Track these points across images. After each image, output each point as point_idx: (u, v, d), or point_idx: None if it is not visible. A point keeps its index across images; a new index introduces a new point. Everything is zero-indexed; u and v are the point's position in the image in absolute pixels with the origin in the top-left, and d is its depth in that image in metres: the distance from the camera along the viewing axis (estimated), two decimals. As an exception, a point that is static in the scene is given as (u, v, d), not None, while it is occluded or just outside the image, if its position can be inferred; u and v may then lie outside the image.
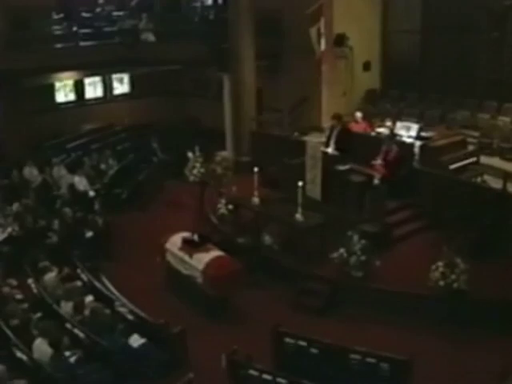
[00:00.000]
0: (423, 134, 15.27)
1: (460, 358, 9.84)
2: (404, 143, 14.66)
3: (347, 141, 13.92)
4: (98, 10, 19.88)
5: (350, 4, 18.73)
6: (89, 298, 10.72)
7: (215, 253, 11.66)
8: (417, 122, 16.23)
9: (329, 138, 14.23)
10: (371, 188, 13.03)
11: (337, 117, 14.31)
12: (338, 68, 19.04)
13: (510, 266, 11.49)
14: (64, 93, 21.51)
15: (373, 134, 16.00)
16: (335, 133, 14.09)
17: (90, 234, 13.77)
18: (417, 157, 14.28)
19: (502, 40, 17.95)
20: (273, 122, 18.39)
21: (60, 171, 16.85)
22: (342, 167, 13.47)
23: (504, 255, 11.81)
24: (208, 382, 9.08)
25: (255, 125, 17.82)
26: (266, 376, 8.61)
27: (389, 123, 16.05)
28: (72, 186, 16.07)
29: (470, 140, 15.99)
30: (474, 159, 15.06)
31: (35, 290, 11.13)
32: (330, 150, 13.98)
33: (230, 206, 14.10)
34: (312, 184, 13.65)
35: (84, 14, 19.80)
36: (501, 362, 8.42)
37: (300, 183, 12.38)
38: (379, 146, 14.21)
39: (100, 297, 10.87)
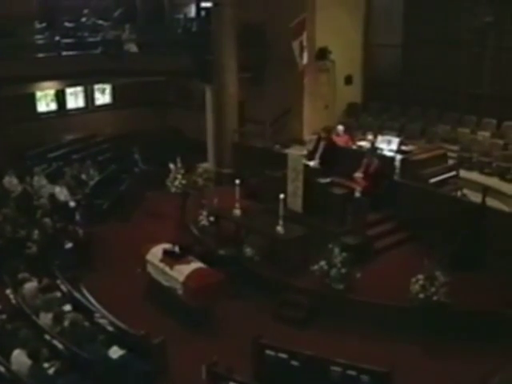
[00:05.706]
0: (404, 147, 15.38)
1: (440, 369, 9.89)
2: (385, 157, 14.77)
3: (333, 154, 14.02)
4: (82, 20, 19.80)
5: (333, 18, 18.87)
6: (68, 309, 10.62)
7: (196, 264, 11.64)
8: (398, 136, 16.36)
9: (314, 151, 14.28)
10: (352, 201, 13.11)
11: (327, 130, 14.36)
12: (320, 81, 19.18)
13: (488, 278, 11.59)
14: (45, 102, 21.48)
15: (354, 147, 16.08)
16: (322, 145, 14.15)
17: (70, 244, 13.66)
18: (398, 170, 14.36)
19: (482, 55, 18.18)
20: (255, 134, 18.40)
21: (40, 181, 16.70)
22: (323, 180, 13.53)
23: (483, 267, 11.93)
24: (188, 393, 9.05)
25: (237, 136, 17.84)
26: (246, 388, 8.62)
27: (370, 137, 16.16)
28: (52, 196, 15.94)
29: (450, 154, 16.13)
30: (454, 173, 15.19)
31: (14, 301, 11.00)
32: (314, 162, 14.03)
33: (212, 218, 14.10)
34: (293, 196, 13.67)
35: (67, 24, 19.74)
36: (481, 372, 8.47)
37: (281, 195, 12.41)
38: (361, 159, 14.32)
39: (80, 308, 10.77)
